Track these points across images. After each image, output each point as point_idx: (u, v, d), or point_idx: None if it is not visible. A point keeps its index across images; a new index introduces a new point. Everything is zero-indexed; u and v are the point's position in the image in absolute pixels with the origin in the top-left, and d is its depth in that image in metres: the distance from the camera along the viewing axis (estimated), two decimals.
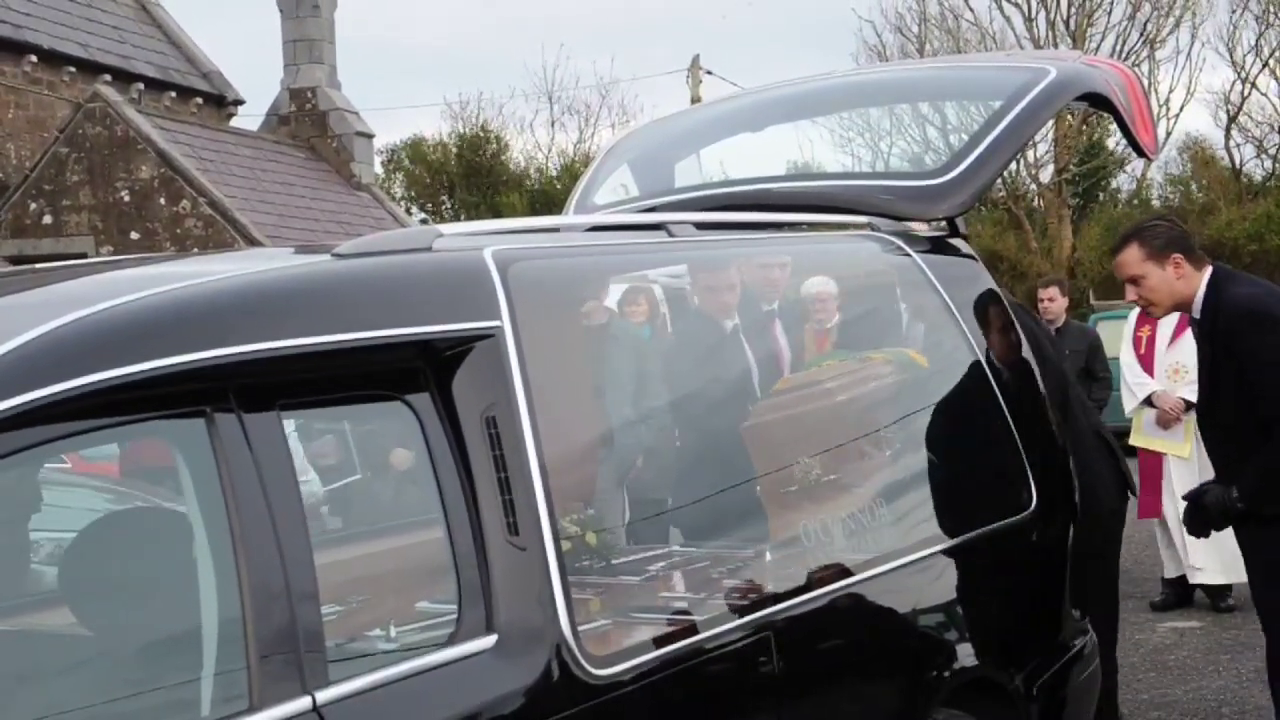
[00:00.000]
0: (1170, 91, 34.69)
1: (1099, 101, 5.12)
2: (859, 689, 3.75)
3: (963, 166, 4.65)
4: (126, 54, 22.86)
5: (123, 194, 20.01)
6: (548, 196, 34.61)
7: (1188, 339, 8.39)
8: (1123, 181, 37.11)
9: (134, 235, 19.92)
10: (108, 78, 21.52)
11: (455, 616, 2.84)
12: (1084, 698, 4.68)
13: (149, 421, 2.57)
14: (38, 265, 3.50)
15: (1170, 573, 8.60)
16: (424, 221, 35.90)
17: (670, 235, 3.90)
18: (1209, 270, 4.73)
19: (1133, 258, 4.73)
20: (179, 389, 2.54)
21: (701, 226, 4.09)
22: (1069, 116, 29.19)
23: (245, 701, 2.48)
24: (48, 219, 20.13)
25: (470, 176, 38.19)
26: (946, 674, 4.02)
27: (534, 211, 32.75)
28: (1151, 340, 8.50)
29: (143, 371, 2.46)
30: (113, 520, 3.62)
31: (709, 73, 33.22)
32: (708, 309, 4.18)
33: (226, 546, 2.54)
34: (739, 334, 4.09)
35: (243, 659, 2.50)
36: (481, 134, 39.25)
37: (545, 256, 3.51)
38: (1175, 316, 8.29)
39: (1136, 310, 8.57)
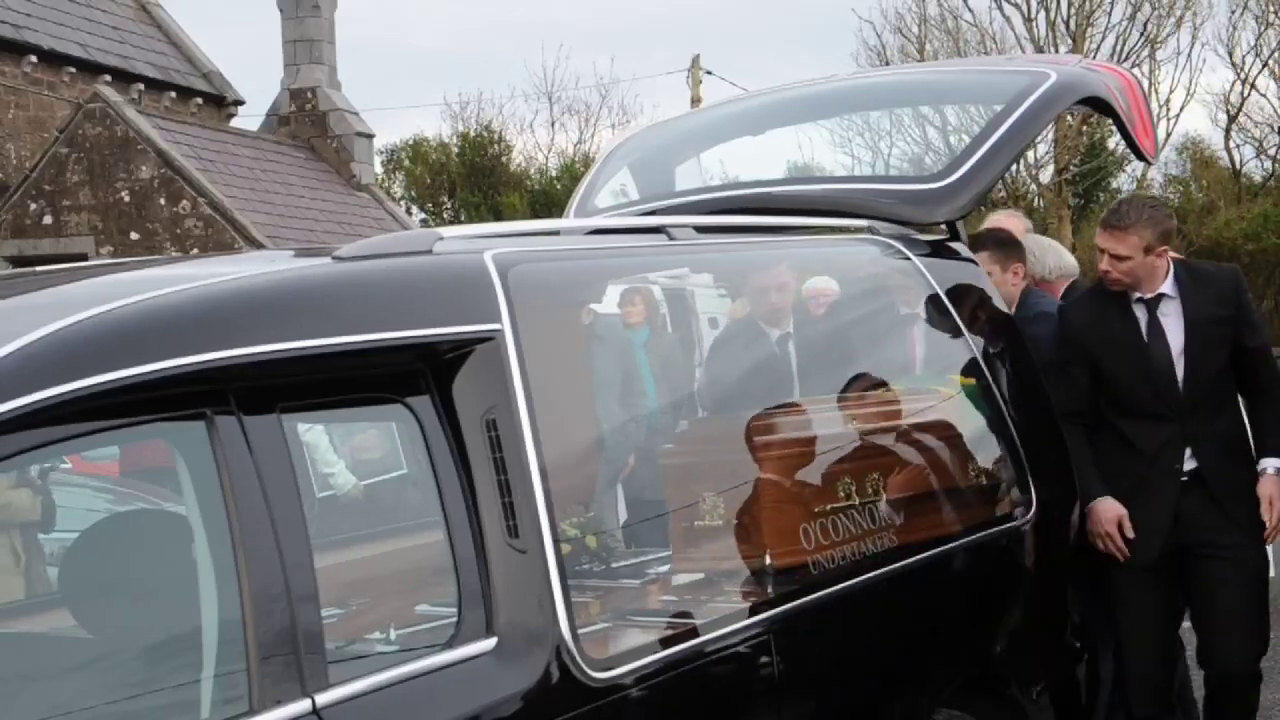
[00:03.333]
0: (1170, 92, 34.76)
1: (1099, 105, 5.13)
2: (860, 691, 3.75)
3: (963, 170, 4.66)
4: (126, 54, 22.86)
5: (123, 194, 20.01)
6: (548, 197, 34.61)
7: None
8: (1123, 181, 37.15)
9: (134, 235, 19.93)
10: (108, 78, 21.53)
11: (455, 619, 2.85)
12: (1084, 698, 4.69)
13: (150, 423, 2.57)
14: (39, 268, 3.51)
15: None
16: (424, 222, 35.91)
17: (670, 239, 3.91)
18: None
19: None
20: (179, 391, 2.54)
21: (702, 230, 4.10)
22: (1069, 117, 29.21)
23: (245, 704, 2.49)
24: (48, 219, 20.13)
25: (471, 177, 38.19)
26: (947, 675, 4.02)
27: (535, 212, 32.76)
28: None
29: (143, 374, 2.46)
30: (113, 522, 3.62)
31: (709, 73, 33.29)
32: (759, 312, 4.22)
33: (226, 548, 2.54)
34: (787, 342, 4.12)
35: (243, 661, 2.51)
36: (486, 134, 39.27)
37: (545, 260, 3.51)
38: None
39: None
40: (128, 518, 3.75)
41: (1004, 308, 4.67)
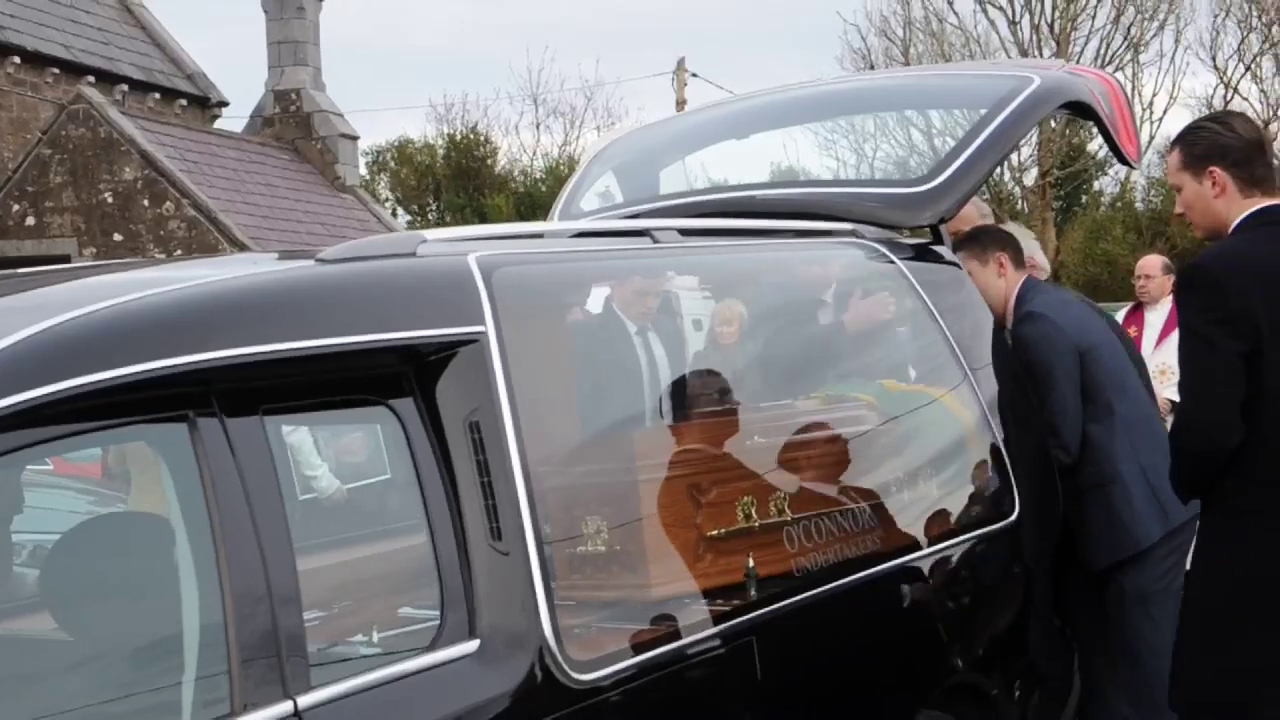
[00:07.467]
0: (1154, 96, 34.84)
1: (1083, 110, 5.14)
2: (842, 693, 3.75)
3: (946, 174, 4.67)
4: (110, 55, 22.79)
5: (106, 195, 19.94)
6: (533, 199, 34.60)
7: (1175, 340, 8.37)
8: (1105, 184, 37.27)
9: (117, 237, 19.86)
10: (91, 79, 21.45)
11: (437, 621, 2.85)
12: (1064, 703, 4.71)
13: (132, 425, 2.57)
14: (22, 269, 3.50)
15: None
16: (409, 224, 35.88)
17: (655, 242, 3.91)
18: (1257, 204, 3.72)
19: (1172, 163, 3.88)
20: (162, 393, 2.54)
21: (686, 233, 4.10)
22: (1052, 121, 29.31)
23: (226, 706, 2.48)
24: (30, 220, 20.06)
25: (456, 179, 38.18)
26: (930, 678, 4.03)
27: (520, 214, 32.74)
28: (1138, 340, 8.48)
29: (126, 375, 2.46)
30: (95, 524, 3.61)
31: (694, 75, 33.28)
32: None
33: (209, 550, 2.54)
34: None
35: (224, 663, 2.50)
36: (472, 136, 39.27)
37: (530, 262, 3.52)
38: (1164, 314, 8.33)
39: (1124, 310, 8.60)
40: (109, 520, 3.74)
41: (986, 310, 4.67)
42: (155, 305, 2.62)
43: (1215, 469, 3.63)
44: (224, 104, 25.27)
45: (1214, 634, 3.66)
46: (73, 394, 2.39)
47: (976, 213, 5.41)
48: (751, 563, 3.52)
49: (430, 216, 38.62)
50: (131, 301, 2.60)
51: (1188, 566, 4.98)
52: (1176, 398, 5.86)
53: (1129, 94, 5.68)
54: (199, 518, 2.55)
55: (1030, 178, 33.37)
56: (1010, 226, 5.56)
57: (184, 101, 24.23)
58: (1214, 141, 3.76)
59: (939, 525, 4.15)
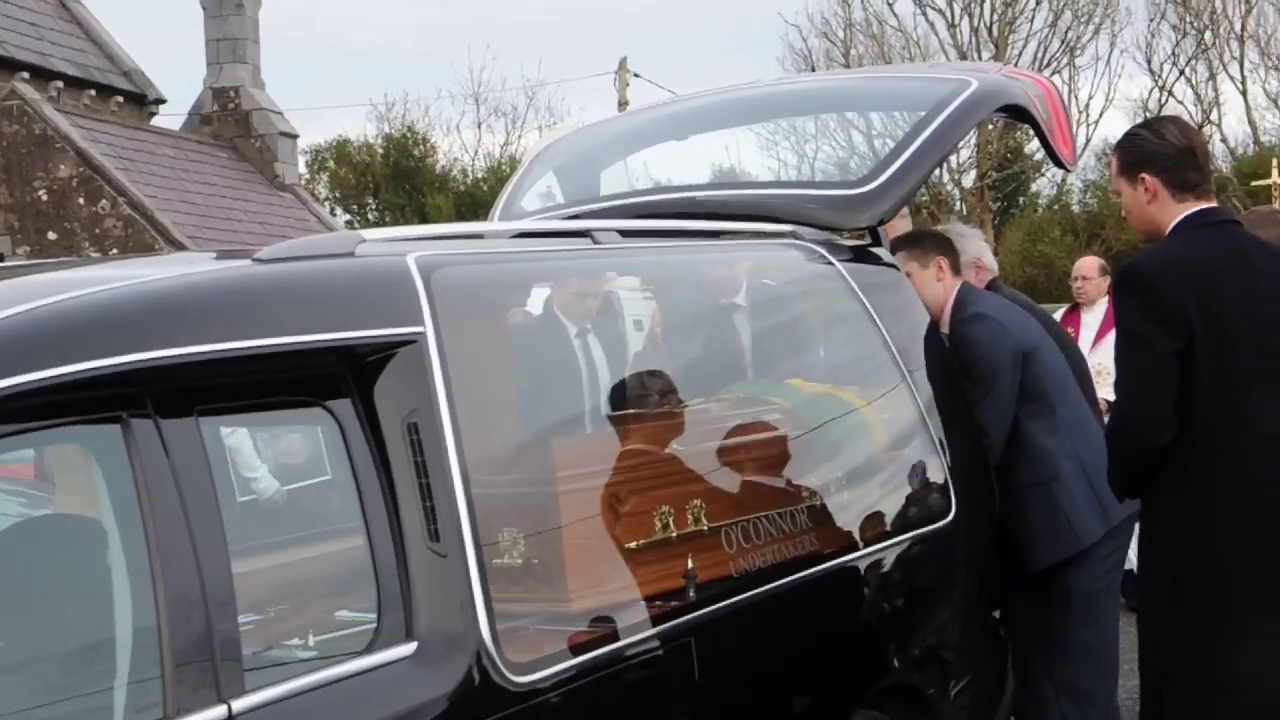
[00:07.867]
0: (1090, 98, 35.34)
1: (1019, 113, 5.19)
2: (780, 693, 3.77)
3: (885, 176, 4.69)
4: (45, 51, 22.49)
5: (40, 193, 19.69)
6: (474, 199, 34.53)
7: (1112, 340, 8.43)
8: (1042, 186, 37.68)
9: (51, 235, 19.62)
10: (25, 75, 21.14)
11: (374, 624, 2.83)
12: (998, 702, 4.74)
13: (64, 426, 2.54)
14: None
15: None
16: (349, 223, 35.69)
17: (595, 242, 3.91)
18: (1190, 208, 3.83)
19: (1112, 169, 3.99)
20: (95, 394, 2.51)
21: (626, 234, 4.10)
22: (990, 124, 29.59)
23: (160, 711, 2.46)
24: None
25: (396, 178, 38.02)
26: (866, 678, 4.05)
27: (460, 214, 32.66)
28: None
29: (58, 376, 2.43)
30: (26, 526, 3.57)
31: (636, 75, 33.35)
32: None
33: (142, 554, 2.52)
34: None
35: (157, 668, 2.48)
36: (409, 135, 39.12)
37: (469, 263, 3.51)
38: (1101, 315, 8.43)
39: (1061, 311, 8.68)
40: (41, 523, 3.69)
41: (924, 311, 4.70)
42: (89, 305, 2.59)
43: (1149, 466, 3.71)
44: (161, 101, 24.98)
45: (1168, 635, 3.75)
46: (4, 394, 2.36)
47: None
48: (691, 564, 3.52)
49: (370, 216, 38.46)
50: (65, 301, 2.57)
51: (1128, 565, 5.07)
52: (1113, 397, 5.85)
53: (1065, 97, 5.75)
54: (132, 520, 2.53)
55: (969, 180, 33.69)
56: (960, 228, 5.60)
57: (120, 98, 23.93)
58: (1144, 149, 3.88)
59: (873, 526, 4.17)
